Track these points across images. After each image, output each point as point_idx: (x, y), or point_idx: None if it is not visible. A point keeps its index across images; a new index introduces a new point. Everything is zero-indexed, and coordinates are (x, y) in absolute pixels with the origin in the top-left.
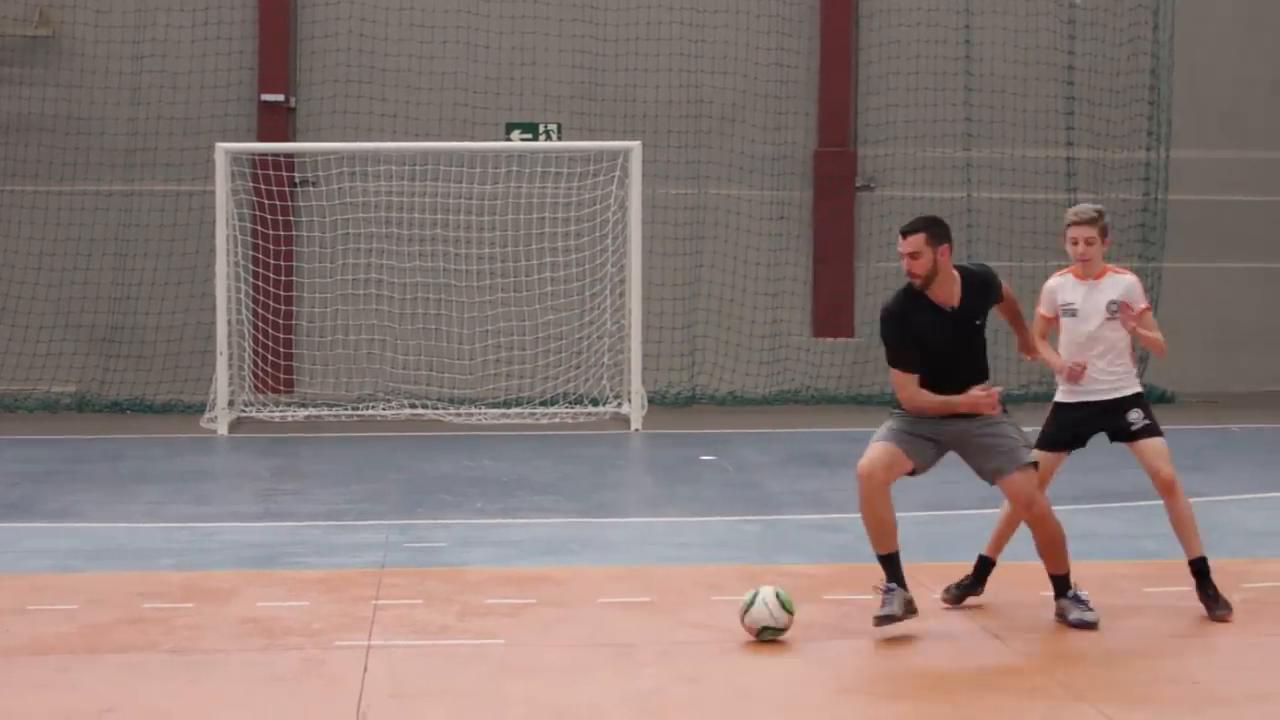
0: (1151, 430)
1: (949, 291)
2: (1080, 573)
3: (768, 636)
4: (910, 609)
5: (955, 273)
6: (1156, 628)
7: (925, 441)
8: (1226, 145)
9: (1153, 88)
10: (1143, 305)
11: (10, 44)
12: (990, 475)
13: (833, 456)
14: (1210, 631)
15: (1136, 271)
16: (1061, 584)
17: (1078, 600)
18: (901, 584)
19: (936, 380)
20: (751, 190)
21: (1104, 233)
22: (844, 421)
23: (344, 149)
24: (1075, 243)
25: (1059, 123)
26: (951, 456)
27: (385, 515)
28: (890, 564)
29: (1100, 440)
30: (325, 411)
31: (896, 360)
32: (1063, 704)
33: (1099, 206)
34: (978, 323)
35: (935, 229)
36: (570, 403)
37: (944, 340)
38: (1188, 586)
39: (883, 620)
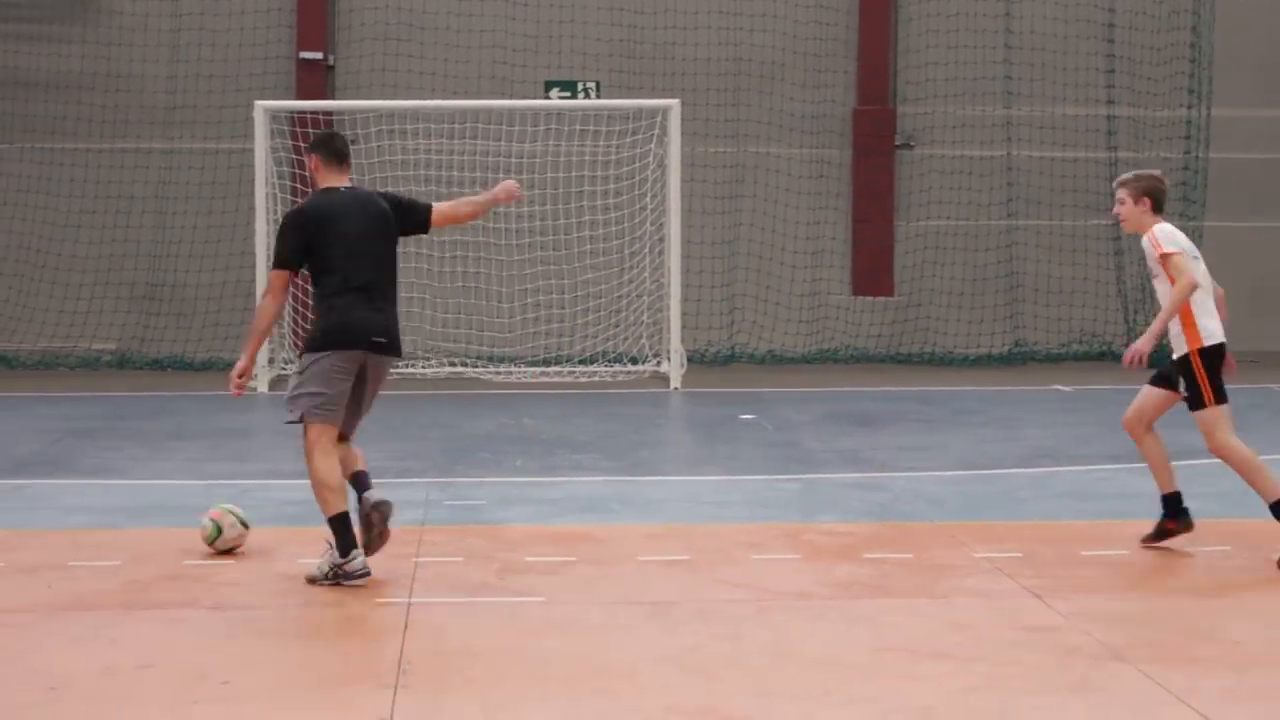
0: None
1: None
2: (1123, 532)
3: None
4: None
5: None
6: (1198, 587)
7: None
8: (1268, 103)
9: (1194, 45)
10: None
11: (51, 2)
12: None
13: (872, 415)
14: (1252, 592)
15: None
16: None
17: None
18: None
19: None
20: (791, 149)
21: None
22: (883, 380)
23: (383, 107)
24: None
25: (1099, 80)
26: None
27: (425, 473)
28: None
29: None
30: None
31: None
32: (1102, 663)
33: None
34: None
35: None
36: (609, 361)
37: None
38: (1230, 545)
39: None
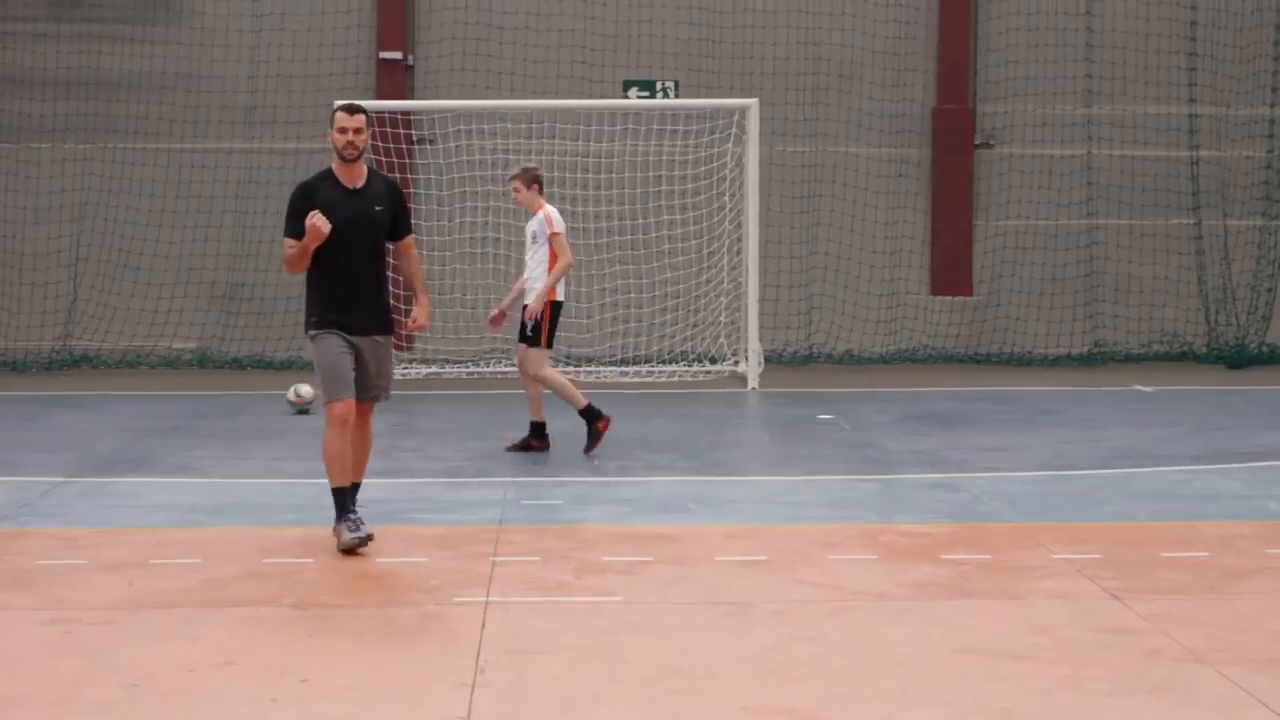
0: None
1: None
2: (1204, 533)
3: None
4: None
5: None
6: (1279, 589)
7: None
8: None
9: (1277, 43)
10: None
11: (132, 2)
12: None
13: (950, 416)
14: None
15: (1259, 230)
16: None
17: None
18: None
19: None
20: (869, 148)
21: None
22: (962, 380)
23: (462, 107)
24: None
25: (1181, 79)
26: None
27: (503, 473)
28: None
29: (1224, 400)
30: (444, 369)
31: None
32: (1183, 665)
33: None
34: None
35: None
36: (687, 361)
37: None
38: None
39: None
